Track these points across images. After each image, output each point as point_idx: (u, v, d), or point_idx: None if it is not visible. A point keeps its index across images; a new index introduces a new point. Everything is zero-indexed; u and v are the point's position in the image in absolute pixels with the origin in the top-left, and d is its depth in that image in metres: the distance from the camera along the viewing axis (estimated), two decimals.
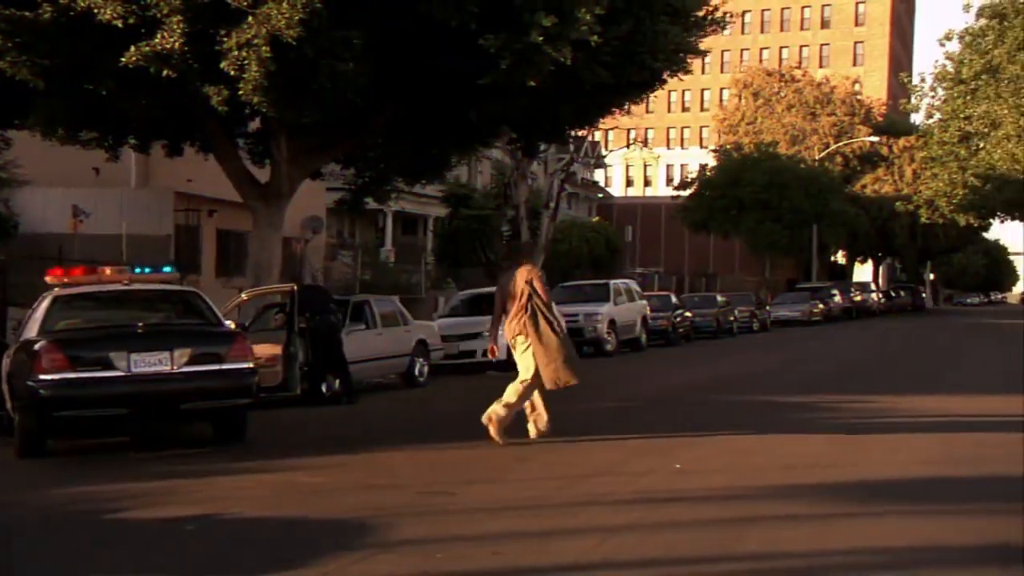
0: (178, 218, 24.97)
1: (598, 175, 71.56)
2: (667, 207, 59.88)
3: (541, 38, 12.75)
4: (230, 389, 9.54)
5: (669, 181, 73.51)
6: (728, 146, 57.35)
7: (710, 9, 16.48)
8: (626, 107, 18.14)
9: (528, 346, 9.61)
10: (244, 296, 14.69)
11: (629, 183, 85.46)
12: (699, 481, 7.84)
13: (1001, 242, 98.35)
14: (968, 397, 13.70)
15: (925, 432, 10.38)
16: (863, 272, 68.75)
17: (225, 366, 9.52)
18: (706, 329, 31.83)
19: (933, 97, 37.69)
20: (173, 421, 10.40)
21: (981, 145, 35.60)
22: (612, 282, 26.27)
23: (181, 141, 18.22)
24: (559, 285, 25.96)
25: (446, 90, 15.60)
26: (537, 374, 9.61)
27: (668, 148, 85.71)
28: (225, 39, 12.51)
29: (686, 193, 54.10)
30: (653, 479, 7.98)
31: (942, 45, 36.91)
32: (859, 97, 64.12)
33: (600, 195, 67.77)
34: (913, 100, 39.38)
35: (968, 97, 34.88)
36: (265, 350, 13.01)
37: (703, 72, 77.72)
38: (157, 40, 12.47)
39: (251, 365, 9.82)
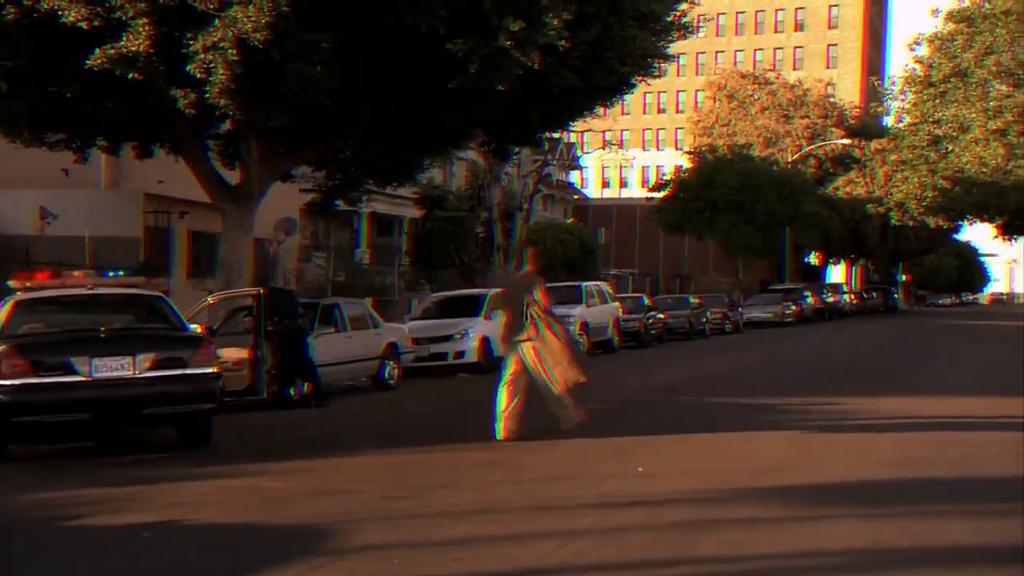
0: (148, 220, 24.80)
1: (574, 176, 71.71)
2: (642, 208, 60.10)
3: (509, 42, 12.79)
4: (193, 394, 9.50)
5: (644, 182, 73.81)
6: (703, 148, 57.66)
7: (679, 15, 16.58)
8: (595, 111, 18.21)
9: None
10: (210, 300, 14.63)
11: (605, 184, 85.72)
12: (661, 484, 7.89)
13: (973, 244, 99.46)
14: (936, 399, 13.81)
15: (890, 432, 10.51)
16: (836, 273, 69.29)
17: (188, 371, 9.48)
18: (679, 331, 31.98)
19: (903, 100, 38.11)
20: (136, 426, 10.33)
21: (950, 148, 36.00)
22: (584, 284, 26.38)
23: (150, 143, 18.12)
24: None
25: (416, 94, 15.61)
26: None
27: (643, 149, 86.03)
28: (192, 42, 12.46)
29: (660, 195, 54.37)
30: (616, 483, 8.03)
31: (911, 49, 37.32)
32: (832, 100, 64.65)
33: (575, 196, 67.92)
34: (885, 103, 39.75)
35: (937, 100, 35.28)
36: (232, 354, 12.96)
37: (678, 74, 78.13)
38: (123, 43, 12.39)
39: (215, 370, 9.78)
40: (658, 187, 56.13)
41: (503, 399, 10.15)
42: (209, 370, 9.65)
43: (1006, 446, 9.52)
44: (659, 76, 17.16)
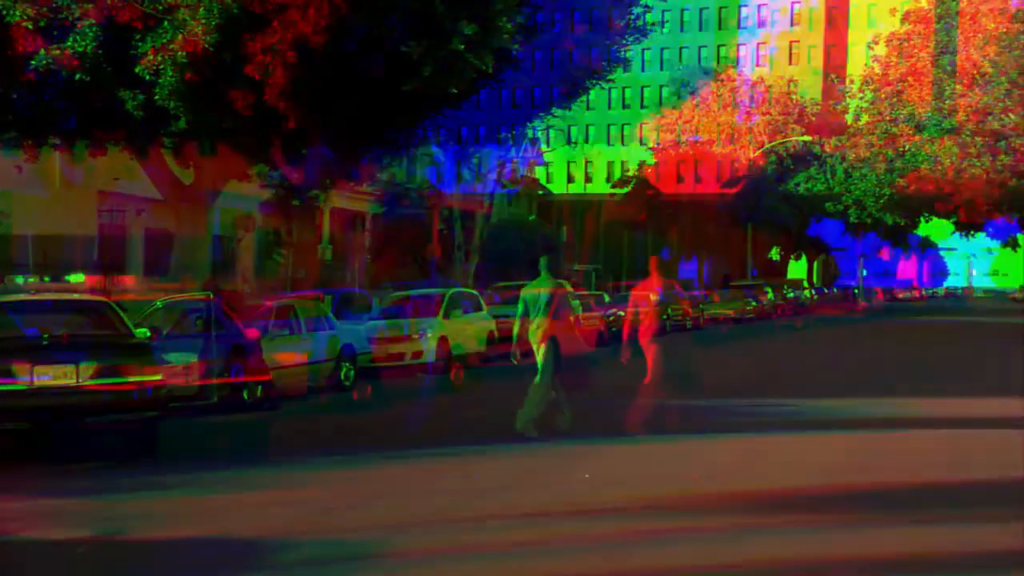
0: (104, 218, 24.55)
1: (539, 171, 71.73)
2: (606, 204, 60.32)
3: (463, 46, 12.80)
4: (138, 402, 9.40)
5: (609, 178, 74.05)
6: (666, 145, 58.00)
7: (631, 18, 16.67)
8: (552, 111, 18.27)
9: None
10: (159, 304, 14.49)
11: (570, 179, 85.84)
12: (603, 493, 7.93)
13: (932, 239, 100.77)
14: (889, 399, 13.94)
15: (838, 432, 10.63)
16: (798, 269, 69.98)
17: (133, 379, 9.38)
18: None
19: (861, 99, 38.58)
20: (78, 435, 10.20)
21: (906, 146, 36.52)
22: None
23: (104, 142, 17.89)
24: (492, 286, 25.99)
25: (373, 95, 15.54)
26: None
27: (608, 145, 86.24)
28: (140, 44, 12.34)
29: (624, 191, 54.66)
30: (560, 491, 8.07)
31: (870, 48, 37.78)
32: (793, 96, 65.19)
33: (540, 192, 67.95)
34: (846, 100, 40.24)
35: (894, 99, 35.78)
36: (182, 358, 12.83)
37: (643, 70, 78.38)
38: (69, 43, 12.24)
39: (160, 378, 9.69)
40: (621, 183, 56.39)
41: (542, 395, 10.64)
42: (154, 378, 9.56)
43: (956, 450, 9.70)
44: (612, 81, 17.26)
